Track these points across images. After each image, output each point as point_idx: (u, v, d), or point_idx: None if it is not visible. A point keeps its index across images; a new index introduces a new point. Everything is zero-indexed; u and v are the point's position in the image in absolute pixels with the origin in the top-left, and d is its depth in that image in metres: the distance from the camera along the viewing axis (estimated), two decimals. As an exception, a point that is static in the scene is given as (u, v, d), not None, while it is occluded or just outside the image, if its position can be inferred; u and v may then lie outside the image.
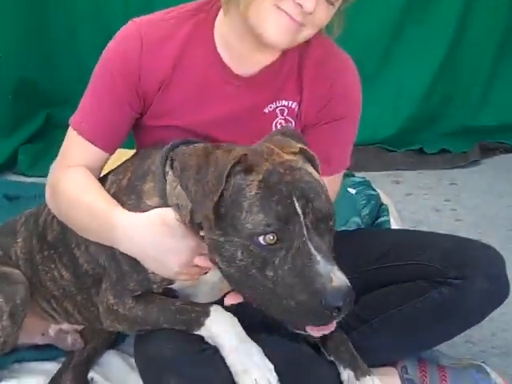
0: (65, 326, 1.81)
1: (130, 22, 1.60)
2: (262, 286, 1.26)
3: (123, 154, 1.77)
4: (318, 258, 1.22)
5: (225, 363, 1.40)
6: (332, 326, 1.31)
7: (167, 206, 1.43)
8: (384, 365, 1.74)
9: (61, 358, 1.84)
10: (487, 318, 2.15)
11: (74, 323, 1.77)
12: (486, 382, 1.72)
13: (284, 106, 1.63)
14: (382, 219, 2.59)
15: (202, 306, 1.45)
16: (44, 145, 3.30)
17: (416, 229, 2.78)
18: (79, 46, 3.39)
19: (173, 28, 1.57)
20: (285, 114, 1.64)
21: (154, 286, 1.48)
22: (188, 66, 1.57)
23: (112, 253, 1.50)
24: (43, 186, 2.43)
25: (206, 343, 1.44)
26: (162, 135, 1.58)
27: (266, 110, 1.62)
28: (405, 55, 3.60)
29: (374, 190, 2.82)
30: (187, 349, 1.42)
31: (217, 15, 1.59)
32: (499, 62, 3.77)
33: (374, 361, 1.67)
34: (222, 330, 1.42)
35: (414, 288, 1.65)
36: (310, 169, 1.34)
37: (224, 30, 1.57)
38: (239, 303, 1.58)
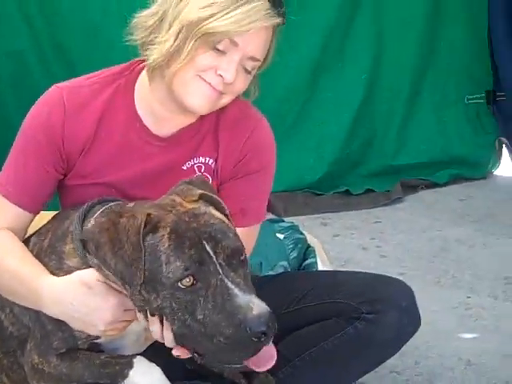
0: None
1: (52, 87, 1.67)
2: (196, 332, 1.34)
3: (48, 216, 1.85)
4: (236, 291, 1.32)
5: None
6: (272, 360, 1.40)
7: (88, 265, 1.49)
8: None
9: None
10: (412, 346, 2.29)
11: (5, 387, 1.79)
12: (405, 409, 1.81)
13: (201, 162, 1.72)
14: (308, 261, 2.69)
15: (125, 357, 1.51)
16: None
17: (344, 267, 2.92)
18: (6, 111, 3.43)
19: (94, 93, 1.65)
20: (202, 170, 1.72)
21: (79, 343, 1.53)
22: (108, 129, 1.65)
23: (36, 313, 1.55)
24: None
25: None
26: (85, 193, 1.65)
27: (185, 167, 1.71)
28: (323, 103, 3.79)
29: (301, 233, 2.91)
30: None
31: (136, 79, 1.68)
32: (413, 102, 4.00)
33: (301, 399, 1.75)
34: (146, 380, 1.47)
35: (332, 325, 1.73)
36: (213, 211, 1.44)
37: (146, 95, 1.65)
38: (170, 353, 1.66)
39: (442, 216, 3.53)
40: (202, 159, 1.72)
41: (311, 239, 2.90)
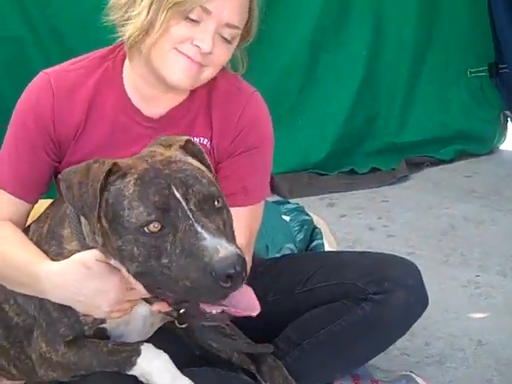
0: (4, 382, 1.81)
1: (40, 73, 1.65)
2: (163, 276, 1.31)
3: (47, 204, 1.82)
4: (205, 234, 1.27)
5: None
6: (253, 304, 1.34)
7: (88, 247, 1.47)
8: (320, 385, 1.80)
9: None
10: (421, 327, 2.28)
11: (11, 378, 1.77)
12: (415, 391, 1.80)
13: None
14: (315, 243, 2.66)
15: (133, 345, 1.49)
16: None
17: (351, 248, 2.89)
18: (2, 97, 3.39)
19: (82, 77, 1.63)
20: None
21: (86, 328, 1.51)
22: (100, 112, 1.63)
23: (40, 301, 1.53)
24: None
25: (140, 383, 1.47)
26: None
27: None
28: (323, 82, 3.74)
29: (307, 215, 2.89)
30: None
31: (124, 60, 1.65)
32: (415, 79, 3.94)
33: (310, 382, 1.74)
34: (154, 367, 1.45)
35: (339, 307, 1.72)
36: (191, 160, 1.41)
37: (131, 75, 1.64)
38: (177, 339, 1.63)
39: (449, 193, 3.49)
40: (196, 139, 1.66)
41: (318, 220, 2.87)
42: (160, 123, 1.65)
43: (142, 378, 1.47)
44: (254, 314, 1.36)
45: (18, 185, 1.62)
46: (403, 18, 3.86)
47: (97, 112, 1.63)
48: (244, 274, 1.27)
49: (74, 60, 1.68)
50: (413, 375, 1.85)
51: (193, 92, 1.66)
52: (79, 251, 1.48)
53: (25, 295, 1.58)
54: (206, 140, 1.68)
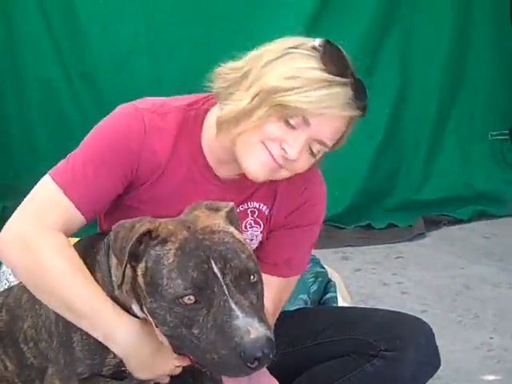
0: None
1: (129, 104, 1.62)
2: (191, 343, 1.33)
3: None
4: (238, 313, 1.28)
5: None
6: None
7: (115, 299, 1.48)
8: None
9: None
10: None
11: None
12: None
13: (255, 207, 1.70)
14: (328, 295, 2.67)
15: None
16: (-1, 237, 3.34)
17: (364, 302, 2.89)
18: (33, 138, 3.49)
19: (168, 122, 1.61)
20: (255, 216, 1.71)
21: (105, 369, 1.52)
22: (178, 160, 1.62)
23: (65, 341, 1.52)
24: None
25: None
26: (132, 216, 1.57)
27: (238, 210, 1.66)
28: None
29: (322, 267, 2.89)
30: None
31: (205, 115, 1.64)
32: (437, 137, 3.98)
33: None
34: None
35: (349, 362, 1.72)
36: (231, 229, 1.40)
37: (211, 138, 1.62)
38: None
39: (466, 253, 3.48)
40: (256, 204, 1.70)
41: (332, 273, 2.88)
42: (227, 185, 1.66)
43: None
44: None
45: (86, 201, 1.54)
46: (429, 75, 3.90)
47: (175, 160, 1.62)
48: (271, 357, 1.29)
49: (159, 102, 1.64)
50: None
51: None
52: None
53: (48, 341, 1.58)
54: (265, 207, 1.70)
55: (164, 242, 1.36)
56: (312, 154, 1.56)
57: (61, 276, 1.47)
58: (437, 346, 1.73)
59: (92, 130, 1.62)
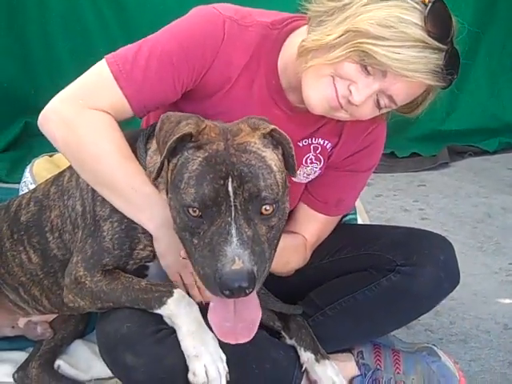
0: (34, 317, 1.86)
1: (210, 7, 1.57)
2: (190, 249, 1.35)
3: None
4: (234, 239, 1.27)
5: (179, 344, 1.45)
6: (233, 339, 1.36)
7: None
8: (341, 351, 1.80)
9: (29, 348, 1.89)
10: (448, 307, 2.26)
11: (42, 311, 1.82)
12: (437, 363, 1.77)
13: (319, 144, 1.68)
14: (348, 217, 2.64)
15: (167, 286, 1.50)
16: (22, 153, 3.37)
17: (384, 227, 2.87)
18: (55, 54, 3.47)
19: (249, 36, 1.58)
20: (317, 152, 1.69)
21: (131, 263, 1.54)
22: (250, 77, 1.60)
23: (93, 231, 1.54)
24: (18, 191, 2.51)
25: (163, 324, 1.49)
26: None
27: (301, 144, 1.67)
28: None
29: (342, 190, 2.89)
30: (144, 328, 1.48)
31: (287, 36, 1.60)
32: (466, 68, 3.85)
33: (330, 347, 1.74)
34: (183, 312, 1.46)
35: (365, 276, 1.71)
36: (267, 153, 1.36)
37: (288, 61, 1.59)
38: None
39: (489, 183, 3.43)
40: (320, 141, 1.68)
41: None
42: (296, 112, 1.63)
43: (167, 319, 1.48)
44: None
45: (140, 97, 1.53)
46: (460, 4, 3.76)
47: (247, 76, 1.59)
48: (248, 291, 1.27)
49: (243, 12, 1.60)
50: (434, 348, 1.83)
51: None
52: None
53: (71, 233, 1.61)
54: (329, 144, 1.68)
55: (198, 148, 1.34)
56: (378, 106, 1.51)
57: (98, 154, 1.49)
58: (457, 263, 1.71)
59: (166, 27, 1.56)
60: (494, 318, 2.26)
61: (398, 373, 1.76)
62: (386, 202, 3.21)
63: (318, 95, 1.51)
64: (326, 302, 1.75)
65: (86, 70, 1.58)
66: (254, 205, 1.31)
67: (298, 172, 1.68)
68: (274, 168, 1.36)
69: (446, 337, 2.14)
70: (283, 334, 1.72)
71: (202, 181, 1.31)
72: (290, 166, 1.40)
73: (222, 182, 1.30)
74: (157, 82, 1.52)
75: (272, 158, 1.37)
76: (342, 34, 1.45)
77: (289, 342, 1.71)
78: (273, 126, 1.39)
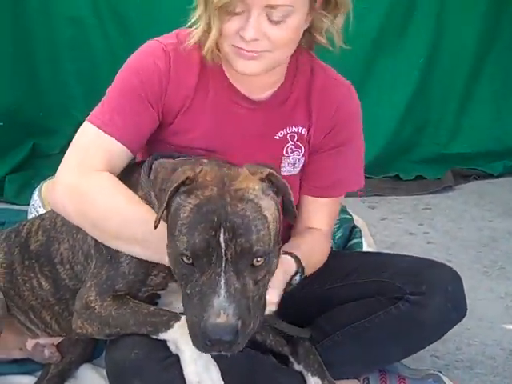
0: (42, 339, 1.87)
1: (151, 40, 1.67)
2: (184, 296, 1.37)
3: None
4: (222, 291, 1.29)
5: None
6: None
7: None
8: (347, 378, 1.79)
9: (37, 372, 1.90)
10: (453, 333, 2.24)
11: (51, 334, 1.83)
12: (443, 390, 1.78)
13: (294, 132, 1.72)
14: (353, 241, 2.67)
15: (174, 312, 1.52)
16: (30, 174, 3.39)
17: (389, 250, 2.87)
18: (64, 76, 3.50)
19: (193, 52, 1.65)
20: (295, 140, 1.73)
21: (143, 290, 1.55)
22: (205, 87, 1.66)
23: (110, 259, 1.55)
24: (27, 213, 2.53)
25: (170, 351, 1.49)
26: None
27: (277, 137, 1.72)
28: (378, 86, 3.72)
29: (348, 214, 2.90)
30: (152, 355, 1.49)
31: None
32: (470, 90, 3.90)
33: (337, 374, 1.74)
34: (187, 338, 1.44)
35: (374, 304, 1.72)
36: (264, 201, 1.36)
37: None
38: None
39: (494, 207, 3.45)
40: (294, 128, 1.72)
41: (357, 221, 2.87)
42: (259, 106, 1.68)
43: (171, 345, 1.49)
44: None
45: (126, 132, 1.60)
46: (465, 28, 3.81)
47: (202, 90, 1.66)
48: (230, 345, 1.29)
49: (183, 33, 1.67)
50: (440, 375, 1.84)
51: (292, 81, 1.70)
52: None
53: (83, 264, 1.62)
54: (304, 129, 1.72)
55: (189, 193, 1.35)
56: (277, 22, 1.54)
57: (110, 210, 1.53)
58: (464, 294, 1.72)
59: (120, 70, 1.66)
60: (499, 343, 2.26)
61: (405, 399, 1.76)
62: (390, 225, 3.22)
63: (242, 65, 1.58)
64: (334, 328, 1.76)
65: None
66: (246, 258, 1.32)
67: (283, 164, 1.74)
68: (269, 218, 1.36)
69: (451, 363, 2.15)
70: (291, 359, 1.73)
71: (194, 230, 1.32)
72: (289, 213, 1.43)
73: (213, 232, 1.30)
74: (134, 114, 1.61)
75: (269, 206, 1.37)
76: (204, 12, 1.56)
77: (297, 367, 1.71)
78: (269, 170, 1.40)
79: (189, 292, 1.34)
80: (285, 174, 1.73)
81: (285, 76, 1.70)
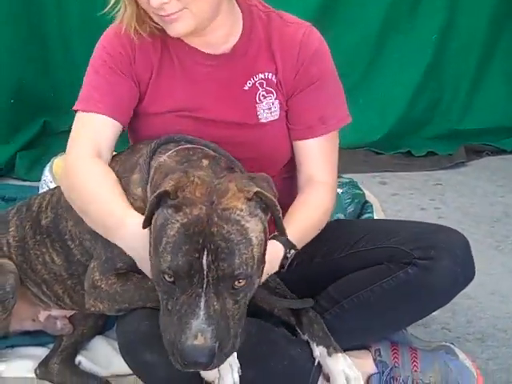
0: (54, 311, 1.89)
1: (109, 29, 1.74)
2: (163, 311, 1.37)
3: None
4: (201, 313, 1.29)
5: None
6: None
7: (146, 195, 1.53)
8: (358, 348, 1.80)
9: (50, 344, 1.91)
10: (465, 306, 2.26)
11: (63, 307, 1.84)
12: (455, 362, 1.77)
13: (262, 78, 1.74)
14: (365, 216, 2.67)
15: None
16: (40, 151, 3.41)
17: (400, 226, 2.87)
18: (74, 54, 3.49)
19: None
20: (264, 86, 1.74)
21: None
22: (169, 57, 1.71)
23: (107, 240, 1.57)
24: (38, 189, 2.55)
25: None
26: (156, 122, 1.71)
27: (246, 87, 1.73)
28: (390, 62, 3.70)
29: (359, 189, 2.89)
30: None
31: None
32: (483, 67, 3.86)
33: (347, 343, 1.74)
34: None
35: (383, 270, 1.71)
36: (251, 223, 1.35)
37: None
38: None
39: (506, 183, 3.43)
40: (261, 75, 1.74)
41: (369, 196, 2.87)
42: (221, 60, 1.72)
43: None
44: None
45: (108, 105, 1.66)
46: (479, 3, 3.77)
47: (168, 56, 1.71)
48: (205, 366, 1.31)
49: None
50: (452, 346, 1.83)
51: (250, 31, 1.72)
52: (142, 199, 1.55)
53: (92, 240, 1.64)
54: (271, 74, 1.73)
55: (178, 209, 1.34)
56: None
57: (88, 197, 1.59)
58: (472, 259, 1.72)
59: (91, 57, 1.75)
60: (511, 317, 2.26)
61: (416, 371, 1.76)
62: (402, 200, 3.21)
63: (167, 28, 1.62)
64: (343, 296, 1.75)
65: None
66: (227, 282, 1.32)
67: (258, 111, 1.74)
68: (254, 241, 1.35)
69: (463, 335, 2.15)
70: (297, 329, 1.73)
71: (178, 251, 1.31)
72: (279, 228, 1.44)
73: (197, 254, 1.30)
74: (110, 86, 1.68)
75: (255, 228, 1.36)
76: None
77: (303, 337, 1.71)
78: (256, 189, 1.37)
79: (170, 308, 1.34)
80: (264, 120, 1.74)
81: (242, 27, 1.73)
